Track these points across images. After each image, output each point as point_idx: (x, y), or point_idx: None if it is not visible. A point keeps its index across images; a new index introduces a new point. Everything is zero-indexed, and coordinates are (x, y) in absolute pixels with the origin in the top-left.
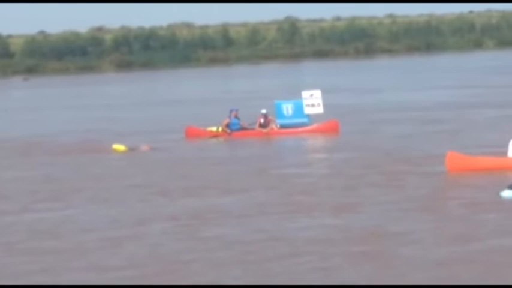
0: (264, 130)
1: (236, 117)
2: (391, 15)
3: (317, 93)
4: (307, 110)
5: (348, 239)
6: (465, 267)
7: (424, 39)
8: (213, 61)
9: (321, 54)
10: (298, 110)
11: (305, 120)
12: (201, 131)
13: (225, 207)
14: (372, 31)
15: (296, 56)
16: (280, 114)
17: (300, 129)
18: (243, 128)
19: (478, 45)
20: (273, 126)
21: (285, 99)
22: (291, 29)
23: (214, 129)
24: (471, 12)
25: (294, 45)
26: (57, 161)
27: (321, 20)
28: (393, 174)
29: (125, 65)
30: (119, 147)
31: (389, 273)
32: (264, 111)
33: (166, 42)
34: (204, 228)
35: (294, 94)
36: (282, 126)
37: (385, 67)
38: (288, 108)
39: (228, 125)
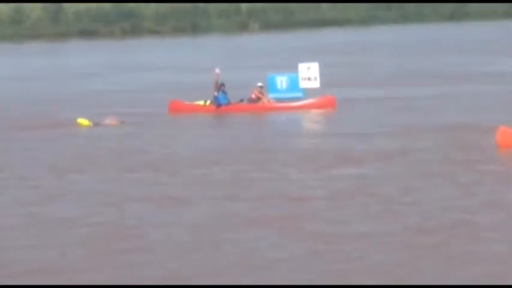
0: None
1: (223, 91)
2: None
3: (314, 66)
4: (303, 84)
5: None
6: None
7: (190, 21)
8: None
9: (86, 33)
10: (293, 83)
11: (300, 94)
12: (186, 105)
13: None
14: (138, 11)
15: (61, 36)
16: (273, 88)
17: (294, 104)
18: (231, 103)
19: (243, 27)
20: (265, 100)
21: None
22: (55, 8)
23: (201, 103)
24: None
25: (59, 25)
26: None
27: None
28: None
29: None
30: (83, 121)
31: None
32: (260, 84)
33: None
34: None
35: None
36: (276, 101)
37: (168, 46)
38: (282, 81)
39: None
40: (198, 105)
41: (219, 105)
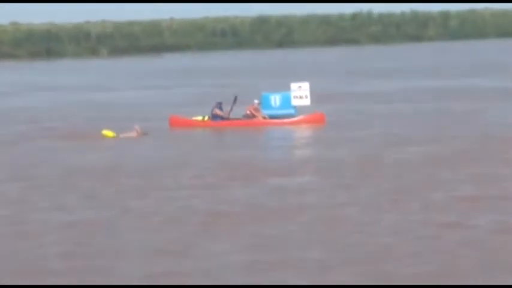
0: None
1: (220, 108)
2: (15, 23)
3: (305, 85)
4: (295, 102)
5: None
6: None
7: (45, 46)
8: None
9: None
10: (286, 101)
11: (292, 111)
12: (185, 120)
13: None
14: None
15: None
16: (267, 105)
17: (286, 120)
18: (227, 119)
19: (93, 52)
20: (259, 116)
21: None
22: None
23: (200, 118)
24: (88, 22)
25: None
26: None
27: None
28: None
29: None
30: (108, 133)
31: None
32: (256, 101)
33: None
34: None
35: None
36: (269, 117)
37: (27, 69)
38: (275, 99)
39: (215, 115)
40: (197, 120)
41: (218, 120)
